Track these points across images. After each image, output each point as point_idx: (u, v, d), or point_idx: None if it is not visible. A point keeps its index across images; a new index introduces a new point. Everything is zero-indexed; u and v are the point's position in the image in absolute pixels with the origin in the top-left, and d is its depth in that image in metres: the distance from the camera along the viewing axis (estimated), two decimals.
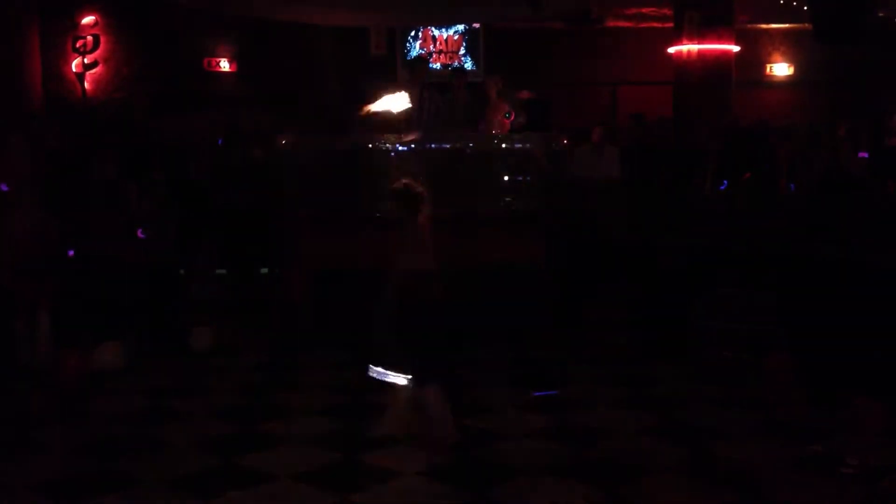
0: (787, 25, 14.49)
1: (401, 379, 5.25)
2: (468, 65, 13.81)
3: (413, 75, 9.10)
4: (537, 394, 6.59)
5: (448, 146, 8.18)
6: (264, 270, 9.04)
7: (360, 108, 7.00)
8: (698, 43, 11.75)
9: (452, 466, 5.14)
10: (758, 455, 5.30)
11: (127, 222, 7.94)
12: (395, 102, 5.27)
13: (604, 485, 4.86)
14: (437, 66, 13.58)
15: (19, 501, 4.72)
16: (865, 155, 8.44)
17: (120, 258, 7.75)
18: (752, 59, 14.28)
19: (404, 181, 5.50)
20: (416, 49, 13.76)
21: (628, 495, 4.75)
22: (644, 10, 13.95)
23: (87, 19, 12.19)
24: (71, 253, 7.35)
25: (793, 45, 14.66)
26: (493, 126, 8.88)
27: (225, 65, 12.82)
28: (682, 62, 11.91)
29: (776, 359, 6.85)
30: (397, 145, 8.08)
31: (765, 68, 14.92)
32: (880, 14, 10.79)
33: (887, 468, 5.07)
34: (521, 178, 8.15)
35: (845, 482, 4.92)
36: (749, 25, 13.92)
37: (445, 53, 13.92)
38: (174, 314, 8.18)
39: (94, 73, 12.26)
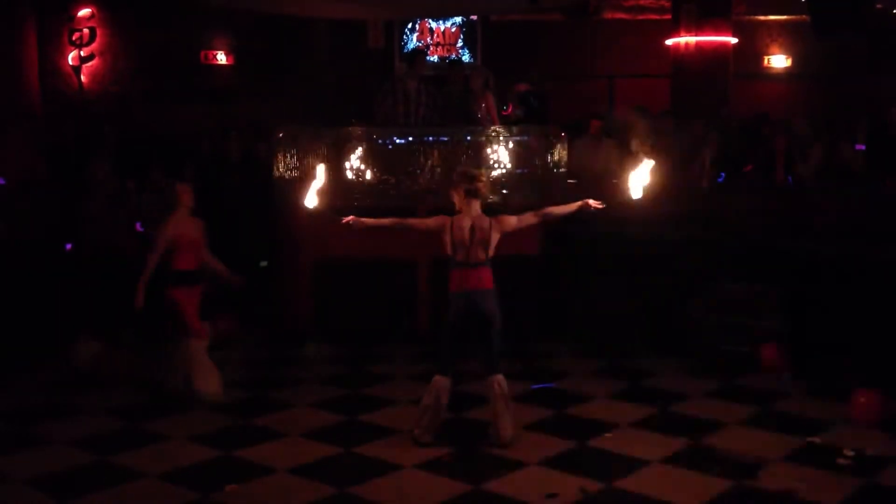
0: (784, 17, 14.46)
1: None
2: (466, 57, 13.77)
3: (411, 68, 9.09)
4: (535, 386, 6.60)
5: (445, 138, 8.17)
6: (264, 263, 9.03)
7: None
8: (696, 35, 11.73)
9: (450, 459, 5.15)
10: (755, 446, 5.31)
11: (127, 217, 7.91)
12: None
13: (601, 476, 4.87)
14: (435, 58, 13.55)
15: (17, 495, 4.72)
16: (862, 147, 8.42)
17: (122, 253, 7.73)
18: (750, 51, 14.25)
19: (465, 168, 5.53)
20: (413, 41, 13.72)
21: (625, 487, 4.76)
22: (641, 2, 13.92)
23: (84, 12, 12.14)
24: (69, 247, 7.33)
25: (790, 37, 14.63)
26: (479, 118, 8.87)
27: (222, 57, 12.77)
28: (679, 54, 11.90)
29: (774, 351, 6.87)
30: (394, 137, 8.07)
31: (762, 60, 14.89)
32: (878, 6, 10.77)
33: (885, 459, 5.09)
34: (518, 171, 8.14)
35: (843, 473, 4.94)
36: (746, 17, 13.88)
37: (443, 46, 13.88)
38: None
39: (91, 66, 12.21)
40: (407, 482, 4.85)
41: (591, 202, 5.30)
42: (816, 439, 5.44)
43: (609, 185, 5.40)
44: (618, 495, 4.67)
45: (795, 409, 6.03)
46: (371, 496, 4.65)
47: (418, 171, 8.10)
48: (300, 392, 6.49)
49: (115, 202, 7.81)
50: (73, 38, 12.15)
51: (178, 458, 5.18)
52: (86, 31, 12.18)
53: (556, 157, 8.16)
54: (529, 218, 5.37)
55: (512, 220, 5.34)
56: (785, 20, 14.55)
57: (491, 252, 5.30)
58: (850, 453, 5.17)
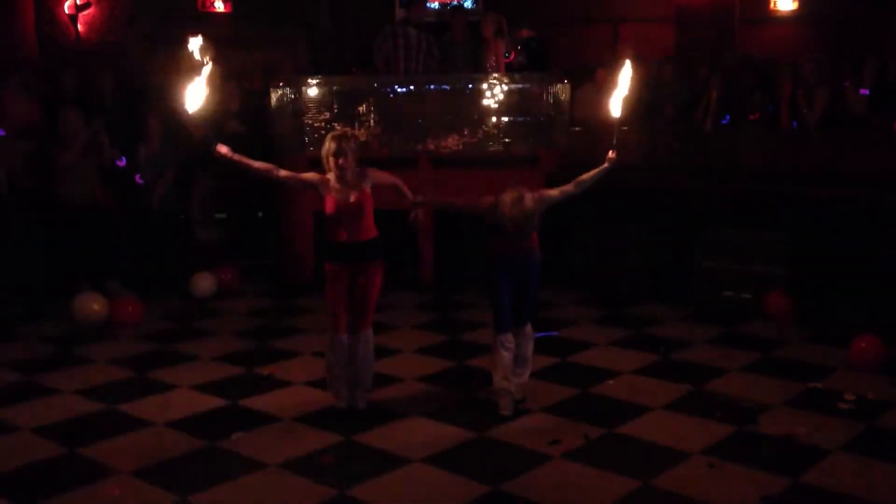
0: None
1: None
2: (467, 3, 13.53)
3: (408, 14, 8.92)
4: (538, 334, 6.61)
5: (447, 87, 8.08)
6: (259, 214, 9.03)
7: None
8: None
9: (455, 408, 5.19)
10: (757, 392, 5.35)
11: (100, 168, 7.82)
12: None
13: (604, 422, 4.92)
14: (436, 5, 13.29)
15: (26, 443, 4.77)
16: (867, 92, 8.30)
17: (97, 204, 7.69)
18: None
19: None
20: None
21: (627, 433, 4.81)
22: None
23: None
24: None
25: None
26: (489, 66, 8.74)
27: (219, 5, 12.58)
28: None
29: (776, 298, 6.88)
30: (395, 86, 7.99)
31: (769, 3, 14.61)
32: None
33: (885, 403, 5.13)
34: (521, 119, 8.07)
35: (844, 417, 4.98)
36: None
37: None
38: (175, 259, 8.19)
39: (87, 15, 12.03)
40: (411, 431, 4.90)
41: (611, 154, 5.16)
42: (817, 384, 5.48)
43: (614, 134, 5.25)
44: (620, 441, 4.72)
45: (797, 356, 6.06)
46: (376, 444, 4.70)
47: (420, 121, 8.03)
48: (303, 342, 6.52)
49: (89, 153, 7.72)
50: None
51: (186, 407, 5.23)
52: None
53: (559, 105, 8.08)
54: (570, 188, 5.11)
55: (554, 194, 5.08)
56: None
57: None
58: (851, 398, 5.21)
